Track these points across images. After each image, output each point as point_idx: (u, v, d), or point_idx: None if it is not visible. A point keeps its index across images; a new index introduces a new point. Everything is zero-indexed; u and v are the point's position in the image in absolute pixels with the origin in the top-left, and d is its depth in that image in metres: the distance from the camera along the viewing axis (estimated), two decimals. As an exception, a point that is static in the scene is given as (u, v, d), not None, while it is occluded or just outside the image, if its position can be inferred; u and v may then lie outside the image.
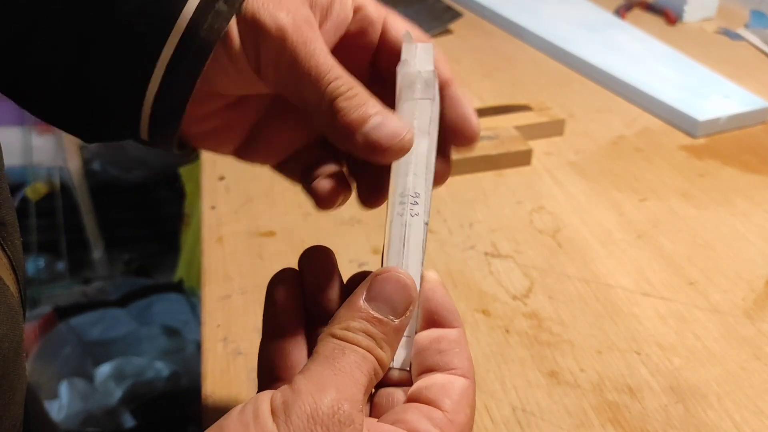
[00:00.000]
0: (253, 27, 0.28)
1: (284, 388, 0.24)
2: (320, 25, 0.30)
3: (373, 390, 0.29)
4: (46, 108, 0.31)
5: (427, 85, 0.32)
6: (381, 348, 0.26)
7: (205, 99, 0.31)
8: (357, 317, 0.26)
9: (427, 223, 0.30)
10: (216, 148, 0.34)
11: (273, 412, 0.23)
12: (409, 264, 0.29)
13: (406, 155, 0.29)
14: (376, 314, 0.26)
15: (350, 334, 0.26)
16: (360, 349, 0.26)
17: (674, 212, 0.62)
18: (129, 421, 1.23)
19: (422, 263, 0.30)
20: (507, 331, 0.49)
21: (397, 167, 0.31)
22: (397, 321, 0.27)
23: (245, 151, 0.34)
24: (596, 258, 0.56)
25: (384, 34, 0.32)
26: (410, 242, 0.30)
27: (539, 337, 0.48)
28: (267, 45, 0.28)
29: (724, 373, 0.46)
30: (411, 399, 0.28)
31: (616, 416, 0.43)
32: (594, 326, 0.49)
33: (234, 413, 0.24)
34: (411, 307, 0.27)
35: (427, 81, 0.32)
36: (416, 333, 0.29)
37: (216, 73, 0.29)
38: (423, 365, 0.28)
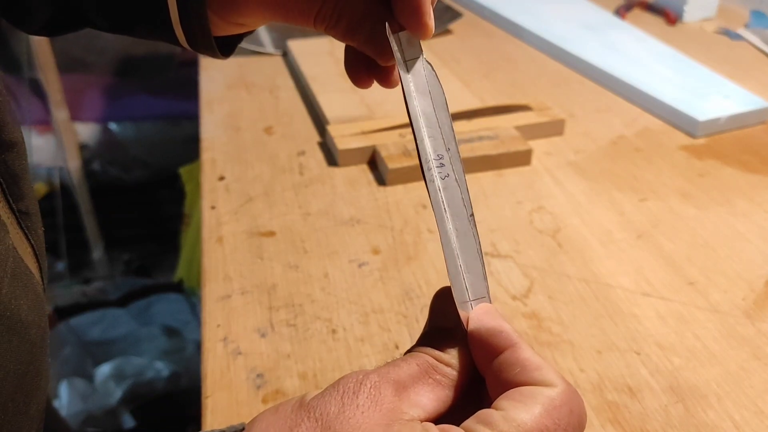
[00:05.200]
0: None
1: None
2: None
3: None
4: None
5: (411, 43, 0.31)
6: (447, 350, 0.27)
7: None
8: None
9: (459, 180, 0.30)
10: (295, 17, 0.34)
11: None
12: (457, 225, 0.29)
13: (414, 120, 0.29)
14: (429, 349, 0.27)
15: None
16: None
17: (674, 212, 0.62)
18: (129, 421, 1.23)
19: (470, 217, 0.30)
20: (507, 331, 0.49)
21: (416, 133, 0.30)
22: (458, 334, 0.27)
23: (327, 19, 0.34)
24: (596, 258, 0.56)
25: None
26: (450, 204, 0.30)
27: (539, 338, 0.48)
28: None
29: (724, 373, 0.46)
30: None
31: (616, 416, 0.43)
32: (594, 326, 0.49)
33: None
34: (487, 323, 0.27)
35: (409, 39, 0.31)
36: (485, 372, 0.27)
37: None
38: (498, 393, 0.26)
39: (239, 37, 0.37)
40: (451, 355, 0.26)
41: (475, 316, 0.27)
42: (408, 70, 0.31)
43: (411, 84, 0.31)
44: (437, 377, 0.26)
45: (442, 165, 0.30)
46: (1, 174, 0.25)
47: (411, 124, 0.30)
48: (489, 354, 0.26)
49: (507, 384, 0.25)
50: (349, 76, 0.35)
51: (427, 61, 0.31)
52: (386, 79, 0.35)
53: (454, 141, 0.30)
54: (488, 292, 0.29)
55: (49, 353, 0.28)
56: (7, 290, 0.24)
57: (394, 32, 0.31)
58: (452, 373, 0.26)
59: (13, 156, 0.26)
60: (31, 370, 0.26)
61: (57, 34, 0.39)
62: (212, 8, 0.33)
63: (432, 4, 0.31)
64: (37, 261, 0.29)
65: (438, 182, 0.30)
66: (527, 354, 0.25)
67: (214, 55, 0.36)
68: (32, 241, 0.28)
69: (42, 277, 0.29)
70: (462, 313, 0.28)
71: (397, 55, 0.31)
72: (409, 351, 0.27)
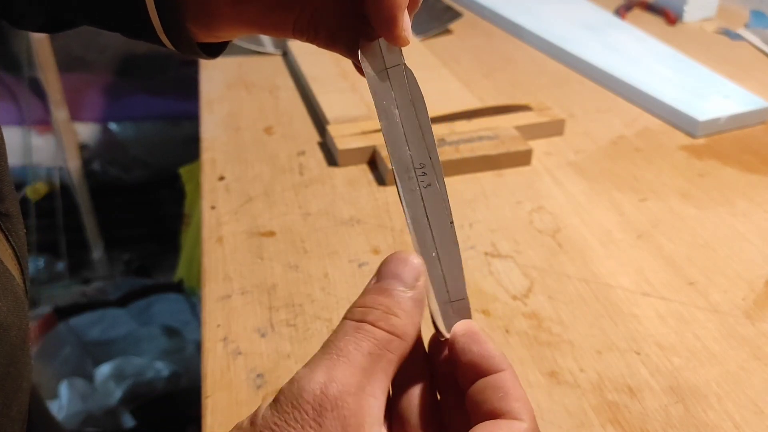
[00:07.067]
0: None
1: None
2: None
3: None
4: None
5: (390, 50, 0.31)
6: (396, 316, 0.25)
7: None
8: (365, 294, 0.26)
9: (441, 188, 0.30)
10: (271, 30, 0.34)
11: (273, 401, 0.23)
12: (439, 233, 0.29)
13: (394, 128, 0.29)
14: (382, 285, 0.26)
15: (356, 311, 0.25)
16: (363, 324, 0.25)
17: (674, 212, 0.62)
18: (129, 421, 1.23)
19: (450, 224, 0.29)
20: (507, 331, 0.49)
21: (393, 142, 0.30)
22: (410, 292, 0.26)
23: (306, 29, 0.34)
24: (596, 258, 0.56)
25: None
26: (432, 213, 0.29)
27: (539, 337, 0.48)
28: None
29: (724, 373, 0.46)
30: None
31: (616, 416, 0.43)
32: (594, 326, 0.49)
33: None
34: (420, 277, 0.27)
35: (387, 45, 0.31)
36: (470, 386, 0.27)
37: None
38: (478, 416, 0.26)
39: (225, 42, 0.38)
40: (404, 323, 0.26)
41: (466, 334, 0.27)
42: (389, 78, 0.31)
43: (392, 92, 0.31)
44: (390, 356, 0.25)
45: (424, 174, 0.30)
46: None
47: (385, 133, 0.30)
48: (478, 374, 0.26)
49: (487, 404, 0.26)
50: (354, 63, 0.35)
51: (407, 68, 0.31)
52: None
53: (435, 149, 0.30)
54: (467, 295, 0.29)
55: (31, 355, 0.28)
56: None
57: (372, 40, 0.31)
58: (404, 346, 0.26)
59: None
60: (12, 372, 0.25)
61: (57, 32, 0.39)
62: (189, 20, 0.33)
63: (412, 9, 0.31)
64: (18, 263, 0.29)
65: (420, 191, 0.29)
66: (513, 383, 0.26)
67: (202, 57, 0.37)
68: (13, 243, 0.28)
69: (24, 280, 0.29)
70: (441, 320, 0.28)
71: (368, 70, 0.31)
72: (354, 313, 0.26)
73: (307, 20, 0.33)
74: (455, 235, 0.30)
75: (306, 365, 0.24)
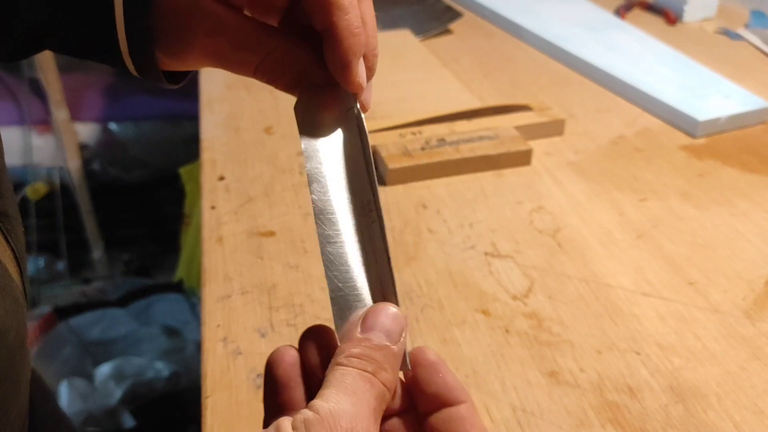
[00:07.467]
0: None
1: (303, 410, 0.25)
2: None
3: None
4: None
5: (346, 94, 0.33)
6: (385, 371, 0.27)
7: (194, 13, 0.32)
8: (357, 346, 0.28)
9: (381, 226, 0.31)
10: (234, 68, 0.35)
11: (294, 428, 0.24)
12: (377, 268, 0.30)
13: (327, 176, 0.31)
14: (376, 341, 0.28)
15: (355, 361, 0.27)
16: (366, 373, 0.27)
17: (674, 212, 0.62)
18: (129, 421, 1.23)
19: (389, 260, 0.30)
20: (507, 331, 0.49)
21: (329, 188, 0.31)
22: (395, 347, 0.28)
23: (268, 70, 0.35)
24: (596, 258, 0.56)
25: None
26: (371, 249, 0.30)
27: (539, 337, 0.48)
28: None
29: (724, 373, 0.46)
30: None
31: (616, 416, 0.43)
32: (594, 326, 0.49)
33: None
34: (404, 333, 0.29)
35: (344, 90, 0.33)
36: (428, 416, 0.30)
37: None
38: None
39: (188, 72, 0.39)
40: (393, 379, 0.28)
41: (428, 366, 0.29)
42: (346, 120, 0.33)
43: (345, 134, 0.32)
44: (383, 407, 0.27)
45: (371, 210, 0.31)
46: None
47: (312, 179, 0.31)
48: (441, 404, 0.29)
49: None
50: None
51: (359, 110, 0.33)
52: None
53: (377, 187, 0.31)
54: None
55: (30, 358, 0.28)
56: None
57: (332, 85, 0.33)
58: (390, 397, 0.28)
59: None
60: (10, 375, 0.26)
61: (20, 59, 0.40)
62: (159, 47, 0.34)
63: (370, 63, 0.33)
64: (18, 265, 0.29)
65: (374, 229, 0.30)
66: (475, 414, 0.29)
67: (164, 85, 0.37)
68: (12, 244, 0.28)
69: (23, 281, 0.29)
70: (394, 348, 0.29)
71: (301, 128, 0.32)
72: (352, 362, 0.27)
73: (271, 65, 0.34)
74: (392, 270, 0.30)
75: (325, 401, 0.26)
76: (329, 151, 0.32)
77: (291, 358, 0.30)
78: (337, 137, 0.32)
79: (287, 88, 0.34)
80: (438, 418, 0.29)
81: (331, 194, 0.31)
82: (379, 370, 0.27)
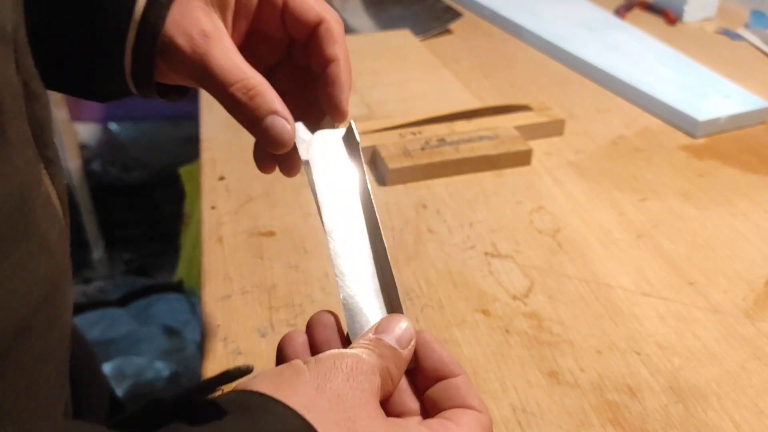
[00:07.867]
0: (166, 41, 0.35)
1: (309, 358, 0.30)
2: (227, 17, 0.36)
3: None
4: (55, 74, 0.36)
5: (330, 123, 0.39)
6: (390, 365, 0.31)
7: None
8: (369, 341, 0.31)
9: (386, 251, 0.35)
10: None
11: (305, 362, 0.29)
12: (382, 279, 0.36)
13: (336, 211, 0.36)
14: (387, 341, 0.31)
15: (365, 344, 0.31)
16: (374, 351, 0.31)
17: (674, 212, 0.62)
18: (129, 421, 1.22)
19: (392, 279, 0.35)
20: (507, 331, 0.49)
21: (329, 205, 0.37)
22: (403, 351, 0.32)
23: None
24: (596, 258, 0.56)
25: (285, 7, 0.37)
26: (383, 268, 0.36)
27: (539, 337, 0.48)
28: (174, 60, 0.35)
29: (724, 373, 0.46)
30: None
31: (616, 416, 0.43)
32: (594, 326, 0.49)
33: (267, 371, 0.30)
34: (412, 342, 0.32)
35: (330, 122, 0.39)
36: (425, 391, 0.33)
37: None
38: (440, 410, 0.32)
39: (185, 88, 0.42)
40: (399, 375, 0.32)
41: (423, 343, 0.33)
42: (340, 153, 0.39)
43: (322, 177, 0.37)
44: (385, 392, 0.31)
45: (375, 229, 0.36)
46: (29, 122, 0.27)
47: (322, 204, 0.36)
48: (437, 378, 0.32)
49: (451, 400, 0.31)
50: (255, 161, 0.42)
51: (354, 133, 0.38)
52: (288, 167, 0.42)
53: (377, 217, 0.36)
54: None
55: (70, 292, 0.30)
56: (39, 212, 0.26)
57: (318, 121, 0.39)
58: (392, 387, 0.32)
59: (39, 106, 0.28)
60: (57, 296, 0.27)
61: None
62: (164, 61, 0.37)
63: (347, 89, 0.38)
64: (60, 204, 0.31)
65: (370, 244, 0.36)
66: (471, 384, 0.32)
67: (170, 99, 0.41)
68: (56, 187, 0.30)
69: (65, 218, 0.32)
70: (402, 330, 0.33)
71: (302, 152, 0.38)
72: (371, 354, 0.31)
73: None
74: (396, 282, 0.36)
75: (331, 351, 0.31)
76: (334, 179, 0.38)
77: (302, 339, 0.34)
78: (341, 167, 0.39)
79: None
80: (436, 390, 0.32)
81: (338, 217, 0.36)
82: (386, 360, 0.31)
